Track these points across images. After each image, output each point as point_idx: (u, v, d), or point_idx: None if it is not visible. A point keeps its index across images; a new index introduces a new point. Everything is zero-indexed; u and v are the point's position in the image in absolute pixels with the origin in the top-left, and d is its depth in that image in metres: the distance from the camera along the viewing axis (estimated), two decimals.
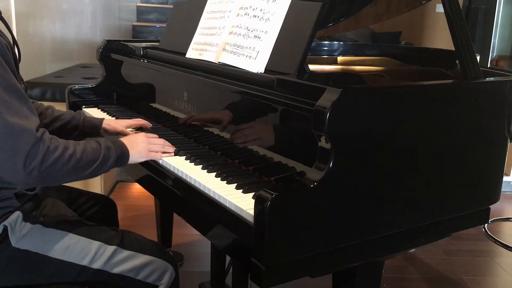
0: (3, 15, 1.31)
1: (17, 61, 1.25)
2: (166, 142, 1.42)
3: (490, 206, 1.40)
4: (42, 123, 1.38)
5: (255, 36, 1.36)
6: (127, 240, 1.34)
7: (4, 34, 1.20)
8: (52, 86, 2.68)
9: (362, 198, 1.10)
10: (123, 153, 1.28)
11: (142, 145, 1.35)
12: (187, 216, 1.34)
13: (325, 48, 2.23)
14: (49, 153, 1.10)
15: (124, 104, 2.02)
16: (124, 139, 1.33)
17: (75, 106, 1.99)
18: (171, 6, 2.32)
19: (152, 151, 1.36)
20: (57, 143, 1.13)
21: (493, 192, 1.41)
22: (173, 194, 1.34)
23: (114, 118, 1.80)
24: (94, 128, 1.57)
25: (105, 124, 1.59)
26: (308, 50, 1.26)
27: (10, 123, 1.07)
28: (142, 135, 1.39)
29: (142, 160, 1.35)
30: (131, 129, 1.62)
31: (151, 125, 1.65)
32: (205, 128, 1.52)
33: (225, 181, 1.21)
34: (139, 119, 1.65)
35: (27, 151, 1.07)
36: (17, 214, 1.24)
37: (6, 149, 1.07)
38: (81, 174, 1.19)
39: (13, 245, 1.22)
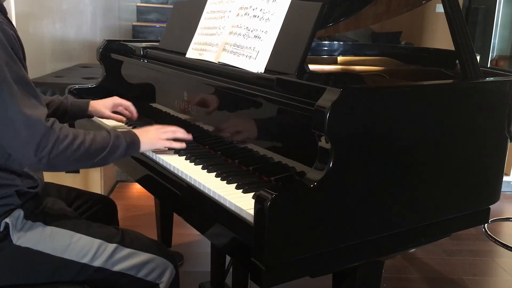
0: None
1: (24, 52, 1.26)
2: (179, 128, 1.43)
3: (490, 206, 1.40)
4: None
5: (255, 36, 1.36)
6: (127, 238, 1.34)
7: (12, 26, 1.21)
8: (52, 86, 2.68)
9: (362, 198, 1.10)
10: (133, 141, 1.32)
11: (154, 134, 1.39)
12: (187, 216, 1.34)
13: (325, 48, 2.23)
14: (58, 142, 1.16)
15: None
16: (135, 130, 1.38)
17: None
18: (171, 6, 2.32)
19: (163, 139, 1.39)
20: (66, 132, 1.18)
21: (493, 192, 1.41)
22: (173, 194, 1.35)
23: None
24: (81, 111, 1.64)
25: (91, 108, 1.64)
26: (308, 50, 1.26)
27: (24, 114, 1.12)
28: (154, 126, 1.43)
29: (154, 148, 1.39)
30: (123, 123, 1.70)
31: (129, 103, 1.68)
32: (205, 128, 1.52)
33: (225, 181, 1.21)
34: (117, 98, 1.69)
35: (38, 141, 1.13)
36: (19, 211, 1.24)
37: (21, 137, 1.13)
38: (90, 161, 1.24)
39: (14, 242, 1.22)
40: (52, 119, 1.18)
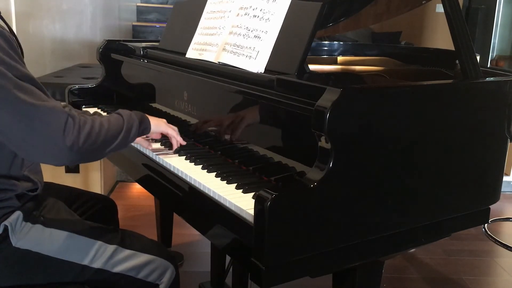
0: (3, 15, 1.30)
1: (22, 52, 1.24)
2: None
3: (490, 206, 1.40)
4: None
5: (255, 36, 1.36)
6: (127, 240, 1.34)
7: (4, 26, 1.19)
8: (52, 86, 2.68)
9: (362, 198, 1.10)
10: (143, 118, 1.32)
11: (158, 119, 1.40)
12: (187, 216, 1.34)
13: (325, 48, 2.23)
14: (81, 126, 1.12)
15: (124, 104, 2.01)
16: None
17: (75, 106, 1.99)
18: (171, 6, 2.32)
19: (167, 125, 1.40)
20: (84, 117, 1.15)
21: (493, 192, 1.41)
22: (173, 194, 1.35)
23: None
24: None
25: None
26: (308, 50, 1.26)
27: (37, 106, 1.07)
28: None
29: (161, 129, 1.39)
30: None
31: None
32: (205, 128, 1.52)
33: (225, 181, 1.21)
34: None
35: (62, 127, 1.08)
36: (18, 214, 1.24)
37: (43, 131, 1.07)
38: (113, 144, 1.20)
39: (13, 245, 1.22)
40: (67, 106, 1.14)
